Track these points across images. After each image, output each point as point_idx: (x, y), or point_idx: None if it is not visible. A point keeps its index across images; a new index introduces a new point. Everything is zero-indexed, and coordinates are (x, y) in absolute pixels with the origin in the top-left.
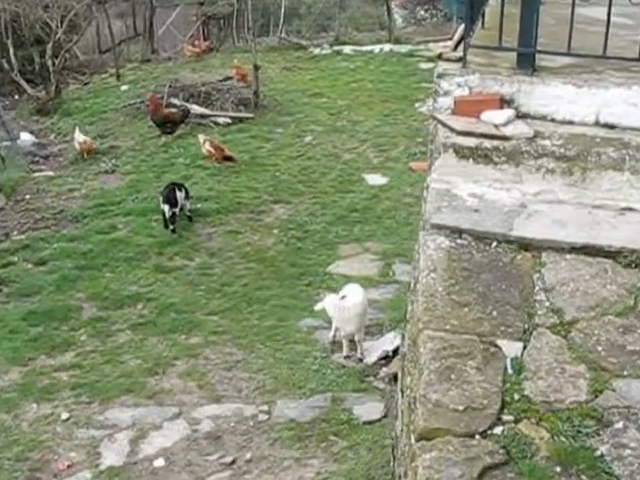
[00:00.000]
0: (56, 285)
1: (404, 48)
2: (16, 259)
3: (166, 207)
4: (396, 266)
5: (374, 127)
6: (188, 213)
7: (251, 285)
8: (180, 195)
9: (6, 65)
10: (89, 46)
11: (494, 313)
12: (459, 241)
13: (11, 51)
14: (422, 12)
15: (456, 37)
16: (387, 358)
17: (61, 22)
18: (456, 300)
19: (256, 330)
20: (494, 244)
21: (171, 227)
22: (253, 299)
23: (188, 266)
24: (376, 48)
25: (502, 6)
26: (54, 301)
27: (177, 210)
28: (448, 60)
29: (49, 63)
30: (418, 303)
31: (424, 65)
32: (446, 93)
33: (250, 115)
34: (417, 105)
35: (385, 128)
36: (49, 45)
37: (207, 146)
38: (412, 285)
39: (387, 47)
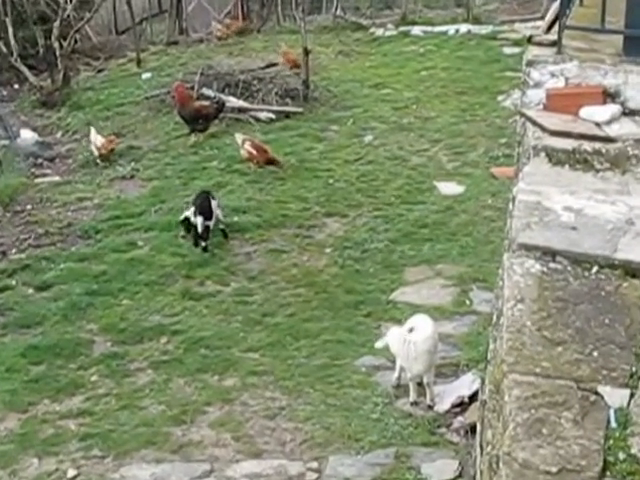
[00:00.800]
0: (62, 314)
1: (485, 29)
2: (14, 282)
3: (199, 220)
4: (474, 293)
5: (448, 125)
6: (222, 226)
7: (298, 315)
8: (214, 205)
9: (4, 48)
10: (104, 25)
11: (595, 353)
12: (552, 265)
13: (10, 31)
14: None
15: (549, 16)
16: (463, 405)
17: None
18: (548, 337)
19: (304, 370)
20: (595, 269)
21: (203, 244)
22: (300, 332)
23: (222, 292)
24: (451, 29)
25: None
26: (60, 334)
27: (211, 224)
28: (540, 44)
29: (56, 45)
30: (502, 340)
31: (509, 50)
32: (537, 84)
33: (298, 109)
34: (500, 98)
35: (461, 126)
36: (56, 24)
37: (247, 146)
38: (495, 318)
39: (464, 28)
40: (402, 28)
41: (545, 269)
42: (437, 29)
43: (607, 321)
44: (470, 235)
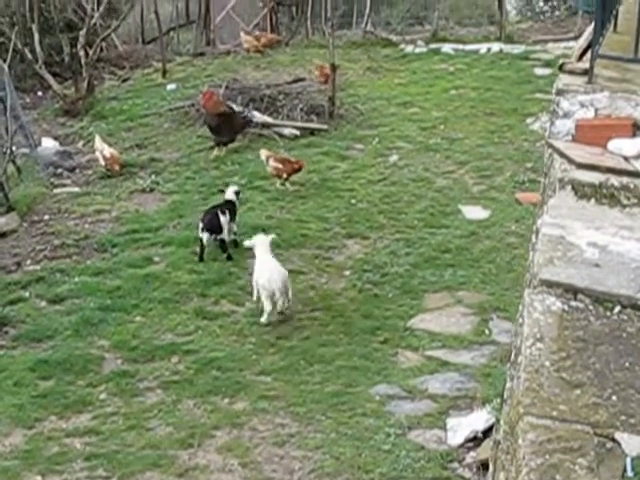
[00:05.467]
0: (74, 329)
1: (517, 48)
2: (28, 294)
3: (205, 235)
4: (494, 323)
5: (475, 147)
6: (233, 236)
7: (313, 339)
8: (224, 220)
9: (29, 55)
10: (131, 34)
11: (613, 398)
12: (573, 303)
13: (36, 38)
14: (541, 3)
15: (581, 42)
16: (476, 440)
17: (98, 4)
18: (567, 379)
19: (316, 396)
20: (617, 309)
21: (225, 255)
22: (315, 357)
23: (237, 312)
24: (483, 47)
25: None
26: (70, 349)
27: (225, 237)
28: (571, 73)
29: (81, 54)
30: (519, 380)
31: (540, 71)
32: (566, 114)
33: (324, 127)
34: (529, 121)
35: (489, 148)
36: (82, 32)
37: (272, 162)
38: (513, 356)
39: (496, 46)
40: (432, 45)
41: (566, 307)
42: (468, 47)
43: (628, 364)
44: (493, 262)
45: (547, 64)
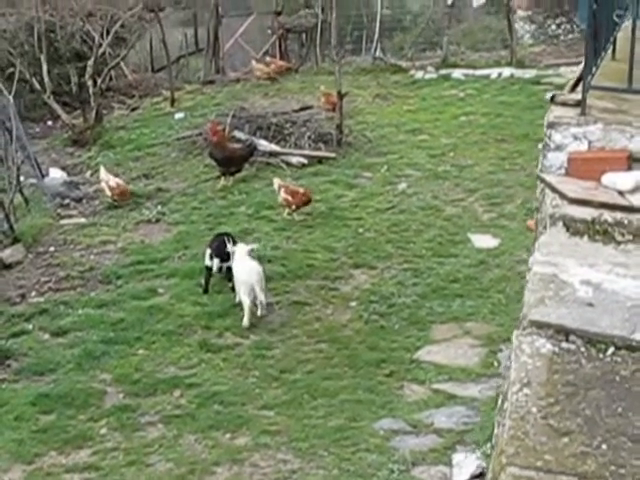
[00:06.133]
0: (76, 362)
1: (528, 73)
2: (31, 327)
3: (215, 262)
4: (503, 354)
5: (486, 174)
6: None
7: (318, 372)
8: (231, 248)
9: (37, 85)
10: (141, 63)
11: (603, 446)
12: (565, 345)
13: (44, 68)
14: (553, 27)
15: (577, 73)
16: (482, 476)
17: (107, 33)
18: (554, 426)
19: (319, 431)
20: (611, 350)
21: (230, 285)
22: (319, 391)
23: (241, 345)
24: (493, 72)
25: (633, 35)
26: (72, 382)
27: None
28: (564, 104)
29: (89, 83)
30: (504, 428)
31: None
32: (558, 147)
33: (331, 155)
34: (540, 146)
35: (500, 175)
36: (90, 62)
37: (282, 194)
38: (500, 401)
39: (507, 71)
40: (442, 71)
41: (557, 349)
42: (479, 72)
43: (620, 410)
44: (502, 292)
45: (559, 88)
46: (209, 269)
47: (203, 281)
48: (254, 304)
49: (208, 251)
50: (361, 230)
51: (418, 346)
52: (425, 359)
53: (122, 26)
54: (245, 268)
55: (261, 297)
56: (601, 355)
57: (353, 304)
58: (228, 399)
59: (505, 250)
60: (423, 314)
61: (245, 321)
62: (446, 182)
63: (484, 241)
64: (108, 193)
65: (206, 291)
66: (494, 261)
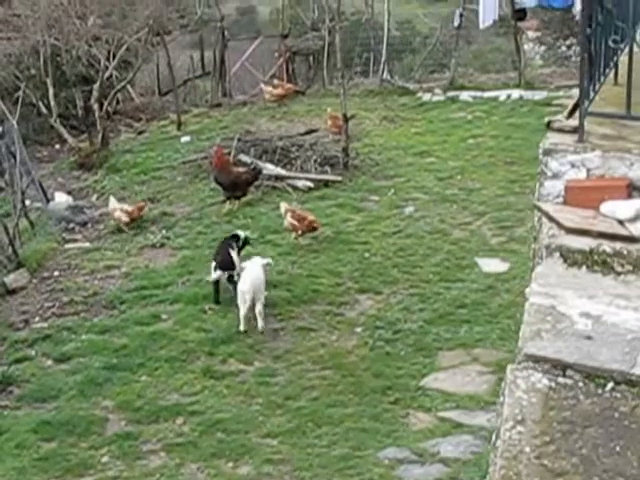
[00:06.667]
0: (79, 389)
1: (538, 94)
2: (34, 353)
3: (219, 273)
4: None
5: (494, 197)
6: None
7: (322, 400)
8: (235, 255)
9: (44, 109)
10: (148, 86)
11: None
12: (562, 380)
13: (50, 92)
14: (564, 48)
15: (575, 99)
16: None
17: (113, 57)
18: (548, 466)
19: (323, 460)
20: (610, 385)
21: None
22: (323, 418)
23: (245, 371)
24: (502, 94)
25: (630, 59)
26: (74, 409)
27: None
28: (560, 131)
29: (95, 107)
30: (495, 467)
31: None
32: (555, 175)
33: (338, 178)
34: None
35: (509, 198)
36: (95, 85)
37: (289, 219)
38: (494, 439)
39: (516, 93)
40: (450, 93)
41: (553, 384)
42: (487, 94)
43: (618, 448)
44: (512, 317)
45: None
46: (216, 282)
47: (214, 292)
48: (253, 317)
49: (213, 264)
50: (367, 254)
51: (424, 373)
52: (431, 386)
53: (128, 49)
54: (247, 279)
55: (259, 307)
56: (600, 390)
57: (358, 330)
58: (231, 427)
59: (515, 275)
60: (429, 340)
61: (241, 327)
62: (454, 205)
63: (493, 265)
64: (125, 219)
65: (218, 302)
66: (503, 286)
